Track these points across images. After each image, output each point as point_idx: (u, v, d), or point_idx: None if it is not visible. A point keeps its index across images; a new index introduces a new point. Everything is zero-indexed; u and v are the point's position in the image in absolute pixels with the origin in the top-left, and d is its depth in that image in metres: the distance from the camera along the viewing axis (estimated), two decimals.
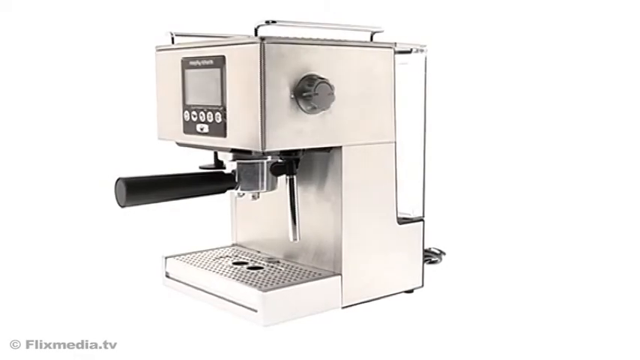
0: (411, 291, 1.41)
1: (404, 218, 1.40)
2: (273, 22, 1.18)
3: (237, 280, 1.30)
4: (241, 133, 1.21)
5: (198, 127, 1.29)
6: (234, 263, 1.42)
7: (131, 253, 1.68)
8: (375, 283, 1.35)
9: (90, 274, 1.53)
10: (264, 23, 1.17)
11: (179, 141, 1.36)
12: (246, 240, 1.54)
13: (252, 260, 1.43)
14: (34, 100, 2.21)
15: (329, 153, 1.29)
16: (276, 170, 1.29)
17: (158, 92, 1.41)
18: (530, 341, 1.17)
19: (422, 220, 1.42)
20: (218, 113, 1.25)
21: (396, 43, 1.34)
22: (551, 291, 1.43)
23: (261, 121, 1.17)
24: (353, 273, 1.31)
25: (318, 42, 1.23)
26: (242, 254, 1.48)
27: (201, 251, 1.50)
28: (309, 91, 1.19)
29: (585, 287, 1.44)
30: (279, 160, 1.30)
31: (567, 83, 1.96)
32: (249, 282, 1.28)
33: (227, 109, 1.23)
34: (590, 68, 1.94)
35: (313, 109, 1.20)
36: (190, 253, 1.48)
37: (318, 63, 1.22)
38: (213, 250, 1.52)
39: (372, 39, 1.35)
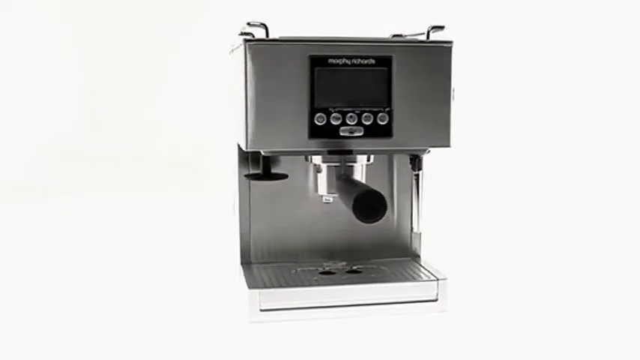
0: None
1: None
2: (441, 27, 1.25)
3: (391, 281, 1.31)
4: (417, 132, 1.24)
5: (344, 129, 1.21)
6: (321, 273, 1.35)
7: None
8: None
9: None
10: (434, 27, 1.24)
11: (296, 149, 1.21)
12: (268, 256, 1.41)
13: (330, 268, 1.38)
14: None
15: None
16: (419, 166, 1.32)
17: (251, 95, 1.19)
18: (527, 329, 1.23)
19: None
20: (382, 114, 1.22)
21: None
22: (550, 288, 1.45)
23: (448, 119, 1.25)
24: (425, 254, 1.48)
25: None
26: (293, 268, 1.38)
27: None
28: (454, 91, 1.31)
29: (585, 287, 1.45)
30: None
31: (568, 82, 1.92)
32: (406, 279, 1.32)
33: (394, 109, 1.22)
34: (592, 68, 1.90)
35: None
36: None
37: None
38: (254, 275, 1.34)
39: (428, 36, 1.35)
